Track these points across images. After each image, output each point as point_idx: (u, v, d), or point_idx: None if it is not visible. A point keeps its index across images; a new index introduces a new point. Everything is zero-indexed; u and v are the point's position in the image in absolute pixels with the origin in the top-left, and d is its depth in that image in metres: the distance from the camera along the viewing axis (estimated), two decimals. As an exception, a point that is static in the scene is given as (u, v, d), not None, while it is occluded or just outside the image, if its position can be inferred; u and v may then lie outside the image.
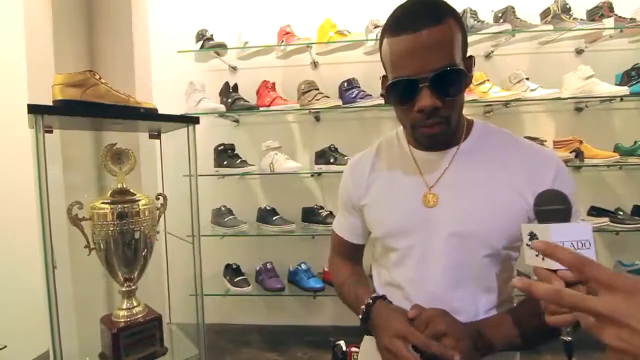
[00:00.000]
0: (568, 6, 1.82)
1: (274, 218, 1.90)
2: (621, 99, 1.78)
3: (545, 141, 1.84)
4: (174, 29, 2.02)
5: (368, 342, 0.82)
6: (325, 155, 1.88)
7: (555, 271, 0.49)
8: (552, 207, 0.53)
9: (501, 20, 1.80)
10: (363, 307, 0.70)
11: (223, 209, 1.96)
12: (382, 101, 1.79)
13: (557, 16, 1.80)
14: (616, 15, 1.80)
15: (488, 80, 1.80)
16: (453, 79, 0.60)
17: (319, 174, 2.01)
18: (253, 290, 1.88)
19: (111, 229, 1.06)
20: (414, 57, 0.59)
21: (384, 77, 0.68)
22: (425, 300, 0.67)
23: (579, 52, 1.94)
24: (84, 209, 1.07)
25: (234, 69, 2.08)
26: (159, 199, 1.24)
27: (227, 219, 1.92)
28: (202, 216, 1.95)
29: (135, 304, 1.14)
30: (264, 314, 2.14)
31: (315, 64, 2.04)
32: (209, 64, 2.05)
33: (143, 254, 1.14)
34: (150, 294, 1.45)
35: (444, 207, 0.68)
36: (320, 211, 1.89)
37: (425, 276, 0.69)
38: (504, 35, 1.79)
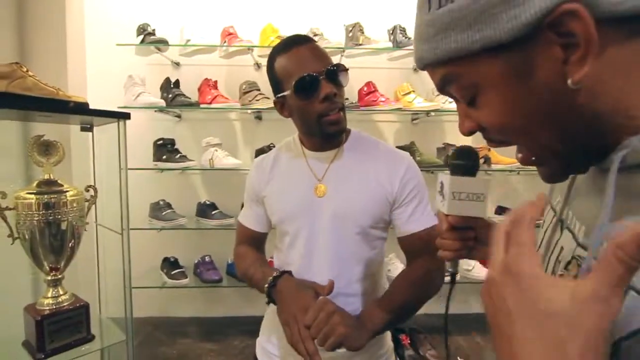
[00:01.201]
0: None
1: (214, 212, 1.96)
2: (522, 114, 2.07)
3: (461, 147, 2.08)
4: (113, 20, 2.00)
5: (271, 312, 0.95)
6: (265, 153, 1.98)
7: (447, 216, 0.59)
8: (456, 161, 0.59)
9: (426, 38, 2.01)
10: (270, 278, 0.80)
11: (161, 203, 1.98)
12: (318, 105, 1.92)
13: (473, 38, 2.04)
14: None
15: (413, 91, 2.01)
16: (340, 72, 0.80)
17: (259, 171, 2.10)
18: (190, 283, 1.93)
19: (36, 218, 1.08)
20: (310, 59, 0.78)
21: (279, 98, 0.84)
22: (312, 273, 0.82)
23: (492, 70, 2.21)
24: (8, 199, 1.08)
25: (176, 64, 2.10)
26: (88, 190, 1.27)
27: (165, 212, 1.95)
28: (140, 210, 1.96)
29: (61, 292, 1.17)
30: (202, 306, 2.19)
31: (258, 65, 2.13)
32: (150, 58, 2.06)
33: (70, 244, 1.17)
34: (82, 287, 1.46)
35: (330, 196, 0.84)
36: (258, 206, 1.98)
37: (312, 252, 0.84)
38: (428, 51, 2.00)
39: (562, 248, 0.41)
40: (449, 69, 0.36)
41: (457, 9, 0.32)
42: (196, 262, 2.02)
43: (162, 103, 1.86)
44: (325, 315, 0.70)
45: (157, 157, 1.95)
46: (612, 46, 0.30)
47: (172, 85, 1.94)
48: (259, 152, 2.01)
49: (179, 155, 1.94)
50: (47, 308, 1.12)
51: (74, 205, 1.15)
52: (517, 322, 0.27)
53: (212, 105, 1.92)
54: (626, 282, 0.24)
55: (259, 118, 2.16)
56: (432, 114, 2.02)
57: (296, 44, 0.80)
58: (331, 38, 2.03)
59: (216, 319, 2.15)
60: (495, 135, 0.38)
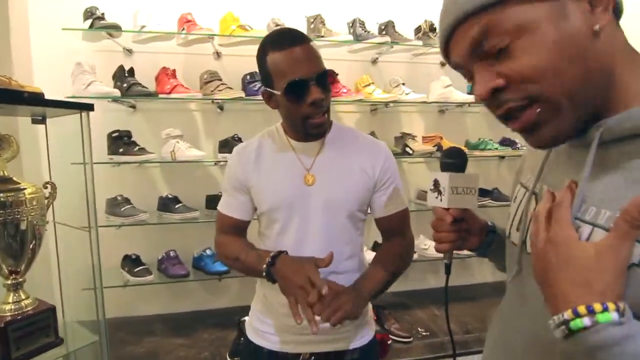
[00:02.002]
0: (434, 26, 2.21)
1: (177, 206, 1.91)
2: (469, 105, 2.26)
3: (416, 136, 2.23)
4: (57, 2, 1.83)
5: (262, 296, 0.99)
6: (229, 145, 1.96)
7: (447, 209, 0.66)
8: (449, 160, 0.68)
9: (383, 32, 2.10)
10: (269, 258, 0.84)
11: (119, 198, 1.89)
12: (282, 96, 1.94)
13: (426, 34, 2.17)
14: (468, 37, 2.26)
15: (373, 83, 2.10)
16: (327, 77, 0.84)
17: (223, 162, 2.07)
18: (155, 279, 1.87)
19: (-6, 219, 0.99)
20: (302, 63, 0.81)
21: (266, 90, 0.87)
22: (305, 256, 0.87)
23: (442, 64, 2.38)
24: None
25: (129, 51, 1.98)
26: (46, 187, 1.19)
27: (124, 208, 1.86)
28: (96, 206, 1.85)
29: (23, 296, 1.10)
30: (168, 303, 2.13)
31: (218, 55, 2.08)
32: (99, 44, 1.92)
33: (31, 246, 1.09)
34: (36, 290, 1.36)
35: (319, 185, 0.90)
36: (224, 198, 1.96)
37: (305, 237, 0.90)
38: (386, 45, 2.10)
39: None
40: (490, 15, 0.41)
41: None
42: (160, 258, 1.96)
43: (117, 93, 1.76)
44: (332, 295, 0.77)
45: (113, 150, 1.84)
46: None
47: (126, 74, 1.84)
48: (223, 143, 1.98)
49: (137, 147, 1.85)
50: (9, 314, 1.05)
51: (34, 203, 1.08)
52: (558, 274, 0.39)
53: (172, 96, 1.85)
54: (631, 236, 0.36)
55: (220, 108, 2.11)
56: (391, 105, 2.13)
57: (293, 44, 0.81)
58: (292, 29, 2.04)
59: (182, 315, 2.11)
60: (518, 87, 0.42)
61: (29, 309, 1.09)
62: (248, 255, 0.92)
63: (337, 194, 0.91)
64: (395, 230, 1.00)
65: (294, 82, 0.80)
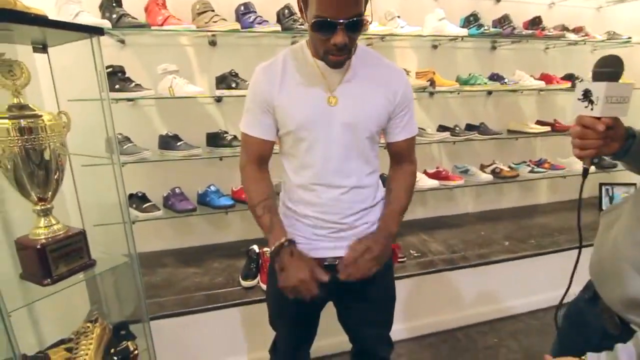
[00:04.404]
0: (430, -46, 2.16)
1: (179, 144, 1.92)
2: (462, 39, 2.28)
3: (410, 72, 2.26)
4: None
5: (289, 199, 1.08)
6: (227, 81, 1.93)
7: (599, 118, 0.66)
8: (604, 69, 0.65)
9: (380, -41, 2.03)
10: (274, 247, 0.95)
11: (119, 136, 1.87)
12: (279, 28, 1.89)
13: (422, -38, 2.12)
14: (462, -33, 2.22)
15: (369, 15, 2.07)
16: (359, 24, 0.84)
17: (220, 99, 2.06)
18: (164, 214, 1.93)
19: (19, 144, 1.00)
20: (337, 5, 0.80)
21: (304, 2, 0.87)
22: (331, 172, 0.97)
23: (436, -4, 2.35)
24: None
25: (111, -21, 1.84)
26: (61, 117, 1.18)
27: (125, 146, 1.85)
28: (95, 144, 1.85)
29: (53, 222, 1.14)
30: (174, 239, 2.21)
31: (207, -17, 1.97)
32: (78, -31, 1.77)
33: (55, 177, 1.11)
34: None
35: (341, 106, 0.95)
36: (225, 135, 1.98)
37: (329, 155, 0.97)
38: (382, -26, 2.04)
39: None
40: None
41: None
42: (165, 195, 2.00)
43: (108, 24, 1.66)
44: (364, 261, 0.94)
45: (109, 87, 1.79)
46: None
47: (114, 4, 1.73)
48: (220, 79, 1.95)
49: (133, 84, 1.80)
50: (44, 237, 1.10)
51: (54, 130, 1.08)
52: None
53: (165, 28, 1.78)
54: None
55: (213, 43, 2.05)
56: (387, 38, 2.13)
57: None
58: (286, -46, 1.94)
59: (190, 249, 2.21)
60: None
61: (60, 232, 1.14)
62: (263, 216, 0.99)
63: (359, 116, 0.96)
64: (404, 155, 1.08)
65: (323, 19, 0.81)
